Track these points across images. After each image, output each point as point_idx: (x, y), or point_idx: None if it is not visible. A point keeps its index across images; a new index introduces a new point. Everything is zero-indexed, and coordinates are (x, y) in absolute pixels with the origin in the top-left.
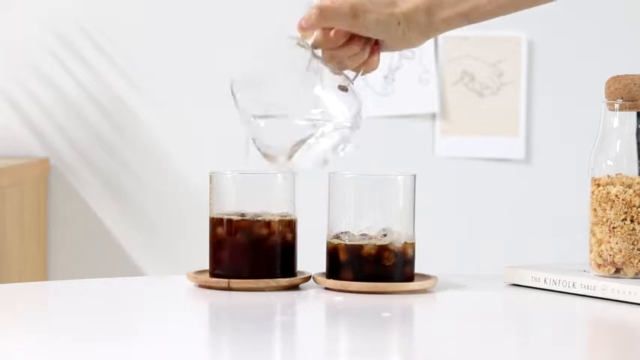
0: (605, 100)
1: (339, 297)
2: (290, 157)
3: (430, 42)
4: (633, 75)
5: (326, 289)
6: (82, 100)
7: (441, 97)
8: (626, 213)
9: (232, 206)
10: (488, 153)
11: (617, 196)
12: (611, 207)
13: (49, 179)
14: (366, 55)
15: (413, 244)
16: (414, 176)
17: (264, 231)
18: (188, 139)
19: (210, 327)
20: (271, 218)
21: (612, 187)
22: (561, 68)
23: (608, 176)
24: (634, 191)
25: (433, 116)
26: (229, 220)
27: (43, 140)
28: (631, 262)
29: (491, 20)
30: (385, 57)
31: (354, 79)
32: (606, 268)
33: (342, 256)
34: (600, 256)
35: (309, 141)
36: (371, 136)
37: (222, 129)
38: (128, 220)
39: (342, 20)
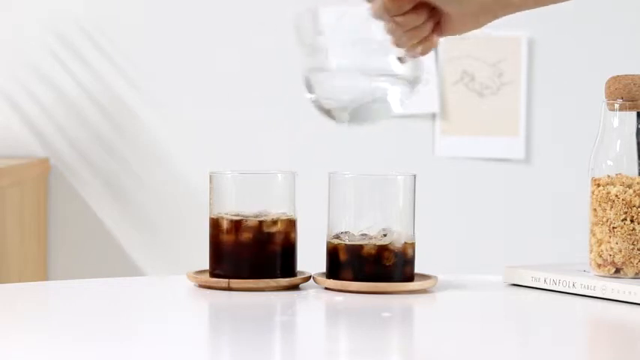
0: (605, 100)
1: (339, 297)
2: (350, 113)
3: None
4: (633, 75)
5: (326, 289)
6: (82, 100)
7: (441, 97)
8: (626, 213)
9: (232, 206)
10: (488, 153)
11: (617, 196)
12: (611, 207)
13: (49, 179)
14: (427, 31)
15: (413, 244)
16: (414, 176)
17: (264, 231)
18: (188, 139)
19: (210, 327)
20: (271, 218)
21: (612, 187)
22: (561, 68)
23: (608, 176)
24: (634, 191)
25: (433, 116)
26: (229, 220)
27: (43, 140)
28: (631, 262)
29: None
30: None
31: (410, 54)
32: (606, 268)
33: (342, 256)
34: (600, 256)
35: (371, 97)
36: (371, 136)
37: (222, 129)
38: (128, 220)
39: None
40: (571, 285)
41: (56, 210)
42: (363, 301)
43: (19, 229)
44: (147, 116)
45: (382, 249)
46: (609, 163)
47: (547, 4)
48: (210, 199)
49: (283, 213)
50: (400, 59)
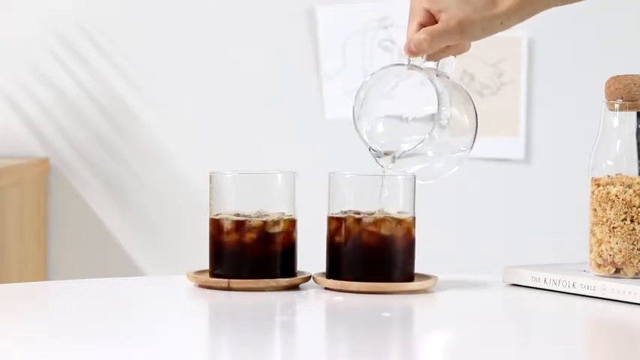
0: (605, 100)
1: (339, 297)
2: (395, 159)
3: None
4: (633, 75)
5: (326, 289)
6: (82, 100)
7: None
8: (626, 213)
9: (232, 206)
10: (488, 153)
11: (617, 196)
12: (611, 207)
13: (49, 179)
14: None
15: (414, 219)
16: (414, 176)
17: (264, 231)
18: (188, 139)
19: (210, 327)
20: (271, 218)
21: (612, 187)
22: (561, 68)
23: (608, 176)
24: (634, 191)
25: (433, 117)
26: (229, 220)
27: (43, 140)
28: (631, 262)
29: None
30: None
31: (441, 65)
32: (606, 268)
33: (342, 233)
34: (600, 256)
35: (412, 150)
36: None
37: (222, 129)
38: (128, 220)
39: (452, 39)
40: (571, 285)
41: (56, 210)
42: (363, 301)
43: (19, 229)
44: (147, 116)
45: (380, 221)
46: (609, 163)
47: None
48: (210, 199)
49: (283, 213)
50: (439, 74)
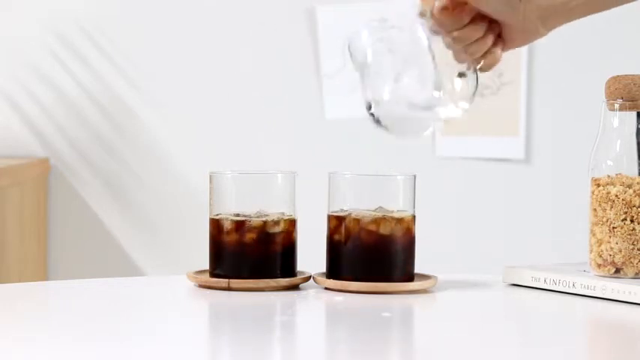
0: (605, 100)
1: (339, 297)
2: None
3: None
4: (633, 75)
5: (326, 289)
6: (82, 100)
7: None
8: (626, 213)
9: (232, 206)
10: (488, 153)
11: (617, 196)
12: (611, 207)
13: (49, 179)
14: (489, 43)
15: (413, 217)
16: (414, 176)
17: (264, 231)
18: (188, 139)
19: (210, 327)
20: (271, 218)
21: (612, 187)
22: (561, 68)
23: (608, 176)
24: (634, 191)
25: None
26: (229, 220)
27: (43, 140)
28: (631, 262)
29: None
30: None
31: (472, 68)
32: (606, 268)
33: (342, 232)
34: (600, 256)
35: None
36: (371, 136)
37: (222, 129)
38: (128, 220)
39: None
40: (571, 285)
41: (56, 210)
42: (363, 301)
43: (19, 229)
44: (147, 116)
45: (379, 219)
46: (609, 163)
47: (610, 8)
48: (210, 199)
49: (283, 213)
50: (461, 74)
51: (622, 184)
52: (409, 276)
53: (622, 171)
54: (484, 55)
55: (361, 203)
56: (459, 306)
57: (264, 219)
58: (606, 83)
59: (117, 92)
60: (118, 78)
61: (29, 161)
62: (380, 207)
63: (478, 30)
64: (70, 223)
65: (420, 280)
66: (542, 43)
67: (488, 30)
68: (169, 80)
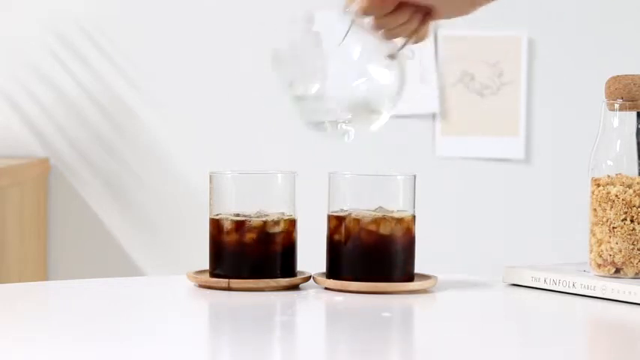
0: (605, 100)
1: (339, 297)
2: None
3: (430, 42)
4: (633, 75)
5: (326, 289)
6: (82, 100)
7: (441, 97)
8: (626, 213)
9: (232, 206)
10: (488, 153)
11: (617, 196)
12: (611, 207)
13: (49, 179)
14: (416, 24)
15: (413, 217)
16: (414, 176)
17: (264, 231)
18: (188, 139)
19: (210, 327)
20: (271, 218)
21: (612, 187)
22: (561, 68)
23: (608, 176)
24: (634, 191)
25: (433, 116)
26: (229, 220)
27: (43, 140)
28: (631, 262)
29: (491, 20)
30: None
31: (401, 48)
32: (606, 268)
33: (342, 232)
34: (600, 256)
35: (336, 115)
36: (371, 136)
37: (222, 129)
38: (128, 220)
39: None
40: (571, 285)
41: (56, 210)
42: (363, 301)
43: (19, 229)
44: (147, 116)
45: (379, 219)
46: (609, 163)
47: None
48: (210, 199)
49: (283, 213)
50: (391, 56)
51: (622, 184)
52: (409, 276)
53: (622, 171)
54: (411, 33)
55: (361, 203)
56: (459, 306)
57: (264, 219)
58: (606, 83)
59: (117, 92)
60: (118, 78)
61: (29, 161)
62: (380, 207)
63: (404, 14)
64: (70, 223)
65: (420, 280)
66: (542, 43)
67: (415, 11)
68: (169, 80)
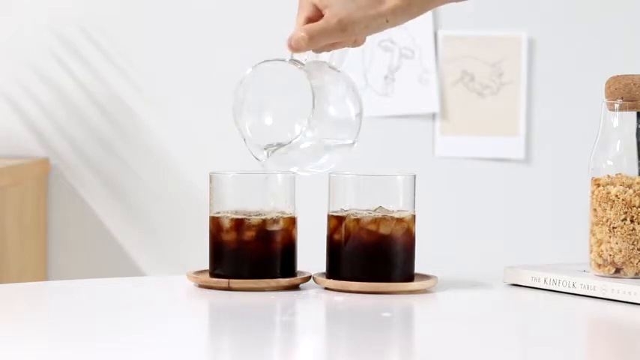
0: (605, 100)
1: (339, 297)
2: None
3: (430, 42)
4: (633, 75)
5: (326, 289)
6: (82, 100)
7: (440, 97)
8: (626, 213)
9: (232, 206)
10: (488, 153)
11: (617, 196)
12: (611, 207)
13: (49, 179)
14: (350, 42)
15: (413, 217)
16: (414, 176)
17: (264, 231)
18: (188, 139)
19: (210, 327)
20: (271, 218)
21: (612, 187)
22: (561, 68)
23: (608, 176)
24: (634, 191)
25: (433, 116)
26: (229, 220)
27: (43, 140)
28: (631, 262)
29: (491, 20)
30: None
31: (336, 56)
32: (606, 268)
33: (342, 232)
34: (600, 256)
35: (288, 145)
36: (371, 136)
37: (222, 129)
38: (128, 220)
39: (333, 37)
40: (571, 285)
41: (56, 210)
42: (363, 301)
43: (19, 229)
44: (147, 116)
45: (379, 219)
46: (609, 163)
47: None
48: (210, 199)
49: (283, 212)
50: (331, 68)
51: (622, 184)
52: (409, 276)
53: (622, 171)
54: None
55: (361, 203)
56: (459, 306)
57: (264, 219)
58: (606, 83)
59: (117, 92)
60: (118, 78)
61: (29, 161)
62: (380, 207)
63: (341, 44)
64: (70, 223)
65: (420, 280)
66: (542, 43)
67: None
68: (169, 80)
